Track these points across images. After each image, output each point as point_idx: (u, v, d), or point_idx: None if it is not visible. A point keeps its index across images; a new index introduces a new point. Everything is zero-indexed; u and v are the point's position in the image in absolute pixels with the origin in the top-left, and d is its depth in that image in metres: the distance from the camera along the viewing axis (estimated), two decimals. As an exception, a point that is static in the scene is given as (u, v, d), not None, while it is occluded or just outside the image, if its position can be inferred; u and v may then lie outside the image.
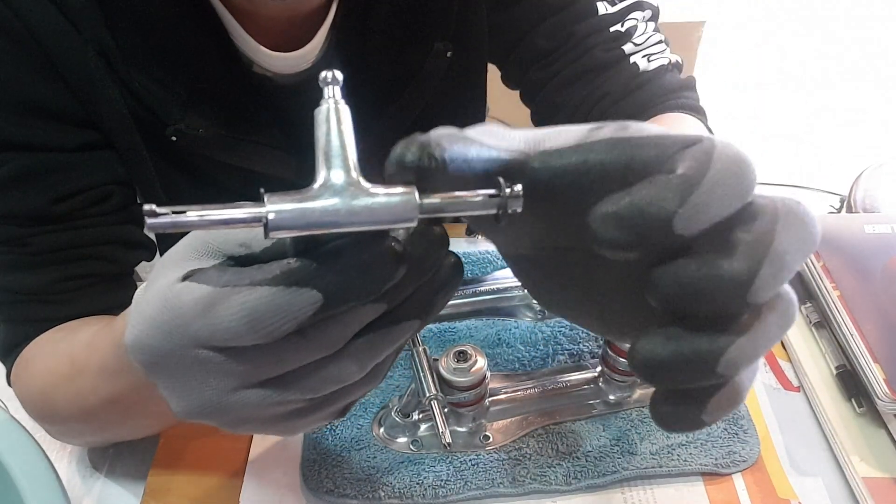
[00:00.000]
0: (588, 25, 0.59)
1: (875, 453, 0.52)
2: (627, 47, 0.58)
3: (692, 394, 0.26)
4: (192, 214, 0.24)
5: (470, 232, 0.69)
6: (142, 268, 0.62)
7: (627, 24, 0.59)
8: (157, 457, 0.54)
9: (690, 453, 0.51)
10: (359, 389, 0.32)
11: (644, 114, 0.57)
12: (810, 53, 2.59)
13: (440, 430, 0.49)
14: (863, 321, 0.56)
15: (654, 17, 0.61)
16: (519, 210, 0.26)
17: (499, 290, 0.62)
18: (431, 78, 0.61)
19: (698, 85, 0.61)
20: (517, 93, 0.66)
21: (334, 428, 0.53)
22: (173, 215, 0.23)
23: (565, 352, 0.58)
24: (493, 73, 0.67)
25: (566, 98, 0.61)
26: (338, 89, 0.27)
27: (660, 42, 0.60)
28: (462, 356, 0.51)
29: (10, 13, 0.49)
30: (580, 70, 0.59)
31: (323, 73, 0.27)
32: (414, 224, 0.26)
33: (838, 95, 2.39)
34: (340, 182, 0.25)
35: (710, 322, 0.25)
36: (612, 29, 0.59)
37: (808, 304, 0.62)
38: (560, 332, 0.60)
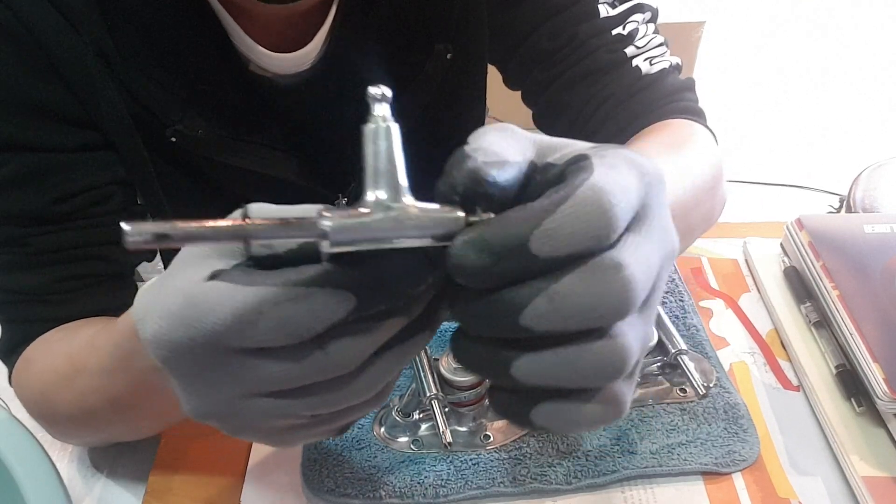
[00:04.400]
0: (590, 27, 0.59)
1: (874, 452, 0.52)
2: (630, 50, 0.59)
3: (523, 390, 0.28)
4: (188, 227, 0.24)
5: None
6: (143, 268, 0.62)
7: (629, 27, 0.59)
8: (158, 457, 0.54)
9: (690, 453, 0.52)
10: (363, 409, 0.33)
11: (646, 116, 0.58)
12: (810, 53, 2.59)
13: (441, 430, 0.49)
14: (862, 321, 0.56)
15: (654, 18, 0.61)
16: None
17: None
18: (432, 80, 0.61)
19: (698, 85, 0.62)
20: (516, 94, 0.66)
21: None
22: (159, 224, 0.23)
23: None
24: (493, 74, 0.67)
25: (570, 100, 0.61)
26: (386, 106, 0.27)
27: (661, 45, 0.60)
28: (462, 356, 0.51)
29: (9, 14, 0.49)
30: (584, 72, 0.60)
31: (371, 90, 0.27)
32: None
33: (838, 95, 2.39)
34: (390, 201, 0.26)
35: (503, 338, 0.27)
36: (614, 31, 0.59)
37: (808, 304, 0.62)
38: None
